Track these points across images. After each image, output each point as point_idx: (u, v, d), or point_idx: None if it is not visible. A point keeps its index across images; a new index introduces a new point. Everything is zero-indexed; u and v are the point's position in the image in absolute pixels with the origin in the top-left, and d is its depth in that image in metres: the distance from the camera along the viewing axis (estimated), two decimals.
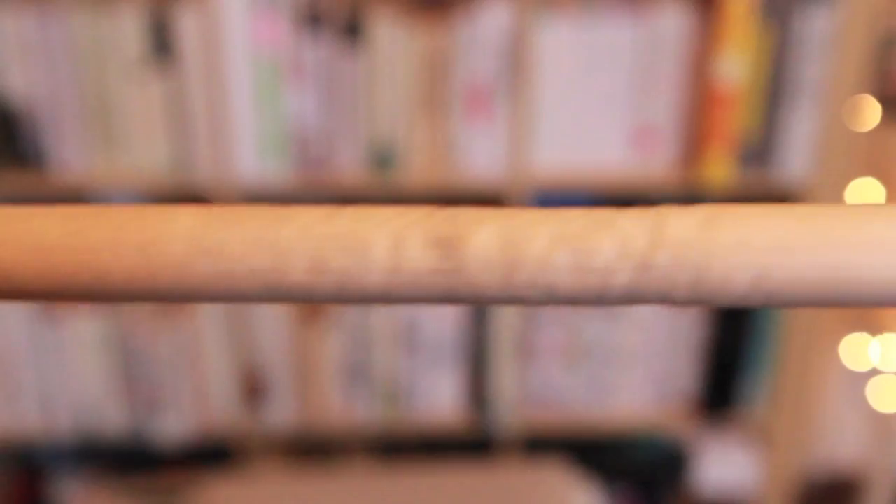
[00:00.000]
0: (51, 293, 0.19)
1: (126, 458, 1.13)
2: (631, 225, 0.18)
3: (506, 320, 1.04)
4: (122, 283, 0.19)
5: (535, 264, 0.18)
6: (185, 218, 0.19)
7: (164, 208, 0.19)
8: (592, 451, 1.13)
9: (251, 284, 0.19)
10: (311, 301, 0.19)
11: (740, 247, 0.18)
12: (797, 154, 0.98)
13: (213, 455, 1.10)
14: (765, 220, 0.18)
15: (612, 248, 0.18)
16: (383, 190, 0.97)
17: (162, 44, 0.92)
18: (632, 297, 0.19)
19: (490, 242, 0.18)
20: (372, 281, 0.19)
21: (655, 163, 1.00)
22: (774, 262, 0.18)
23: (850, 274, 0.18)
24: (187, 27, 0.92)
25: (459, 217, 0.19)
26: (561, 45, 0.94)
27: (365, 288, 0.19)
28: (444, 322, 1.04)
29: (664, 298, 0.19)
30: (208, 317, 1.02)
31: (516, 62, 0.94)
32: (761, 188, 0.99)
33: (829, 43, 0.94)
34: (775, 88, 0.96)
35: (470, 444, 1.11)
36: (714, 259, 0.18)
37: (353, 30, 0.93)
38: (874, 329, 1.11)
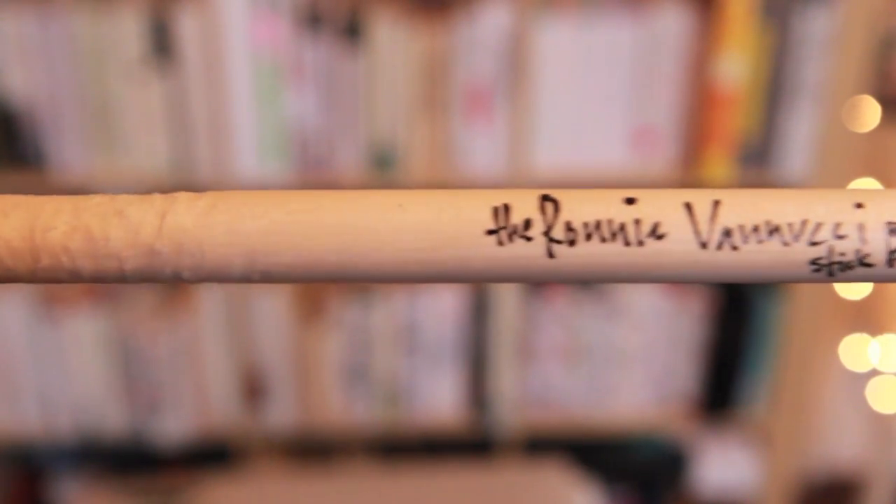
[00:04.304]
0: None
1: (126, 458, 1.13)
2: (140, 213, 0.21)
3: (506, 320, 1.04)
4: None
5: (55, 252, 0.21)
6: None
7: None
8: (592, 452, 1.13)
9: None
10: None
11: (232, 233, 0.21)
12: (797, 154, 0.98)
13: (213, 455, 1.10)
14: (257, 207, 0.21)
15: (121, 236, 0.21)
16: None
17: (162, 44, 0.92)
18: (147, 279, 0.21)
19: (14, 231, 0.21)
20: None
21: (655, 163, 1.00)
22: (262, 247, 0.21)
23: (333, 257, 0.21)
24: (187, 27, 0.92)
25: None
26: (561, 45, 0.94)
27: None
28: (444, 322, 1.04)
29: (176, 279, 0.21)
30: (208, 316, 1.03)
31: (516, 63, 0.94)
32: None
33: (829, 43, 0.94)
34: (775, 89, 0.96)
35: (470, 445, 1.11)
36: (209, 245, 0.21)
37: (353, 30, 0.93)
38: (874, 329, 1.11)
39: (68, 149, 0.96)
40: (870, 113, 0.98)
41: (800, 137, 0.97)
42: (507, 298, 1.03)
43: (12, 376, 1.03)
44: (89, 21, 0.91)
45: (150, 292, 1.04)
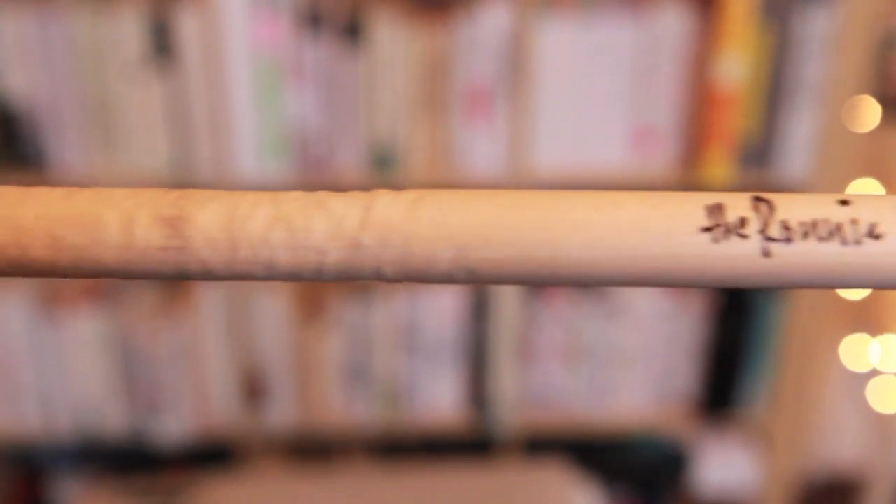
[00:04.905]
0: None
1: (126, 458, 1.13)
2: (343, 206, 0.20)
3: (506, 320, 1.04)
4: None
5: (254, 242, 0.20)
6: None
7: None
8: (592, 452, 1.13)
9: None
10: (52, 276, 0.20)
11: (440, 227, 0.20)
12: (797, 155, 0.98)
13: (213, 455, 1.10)
14: (465, 203, 0.20)
15: (324, 227, 0.20)
16: None
17: (162, 44, 0.92)
18: (346, 274, 0.20)
19: (213, 222, 0.20)
20: (106, 257, 0.20)
21: (655, 163, 1.00)
22: (471, 242, 0.20)
23: (544, 253, 0.20)
24: (187, 27, 0.92)
25: (187, 197, 0.20)
26: (561, 45, 0.94)
27: (101, 263, 0.20)
28: (444, 322, 1.04)
29: (376, 276, 0.20)
30: (208, 316, 1.03)
31: (516, 63, 0.94)
32: (761, 189, 0.99)
33: (829, 43, 0.94)
34: (775, 89, 0.96)
35: (470, 445, 1.11)
36: (416, 239, 0.20)
37: (353, 30, 0.93)
38: (874, 329, 1.11)
39: (68, 149, 0.96)
40: (870, 113, 0.98)
41: (800, 137, 0.97)
42: (507, 298, 1.04)
43: (12, 376, 1.03)
44: (89, 21, 0.91)
45: (150, 292, 1.04)
